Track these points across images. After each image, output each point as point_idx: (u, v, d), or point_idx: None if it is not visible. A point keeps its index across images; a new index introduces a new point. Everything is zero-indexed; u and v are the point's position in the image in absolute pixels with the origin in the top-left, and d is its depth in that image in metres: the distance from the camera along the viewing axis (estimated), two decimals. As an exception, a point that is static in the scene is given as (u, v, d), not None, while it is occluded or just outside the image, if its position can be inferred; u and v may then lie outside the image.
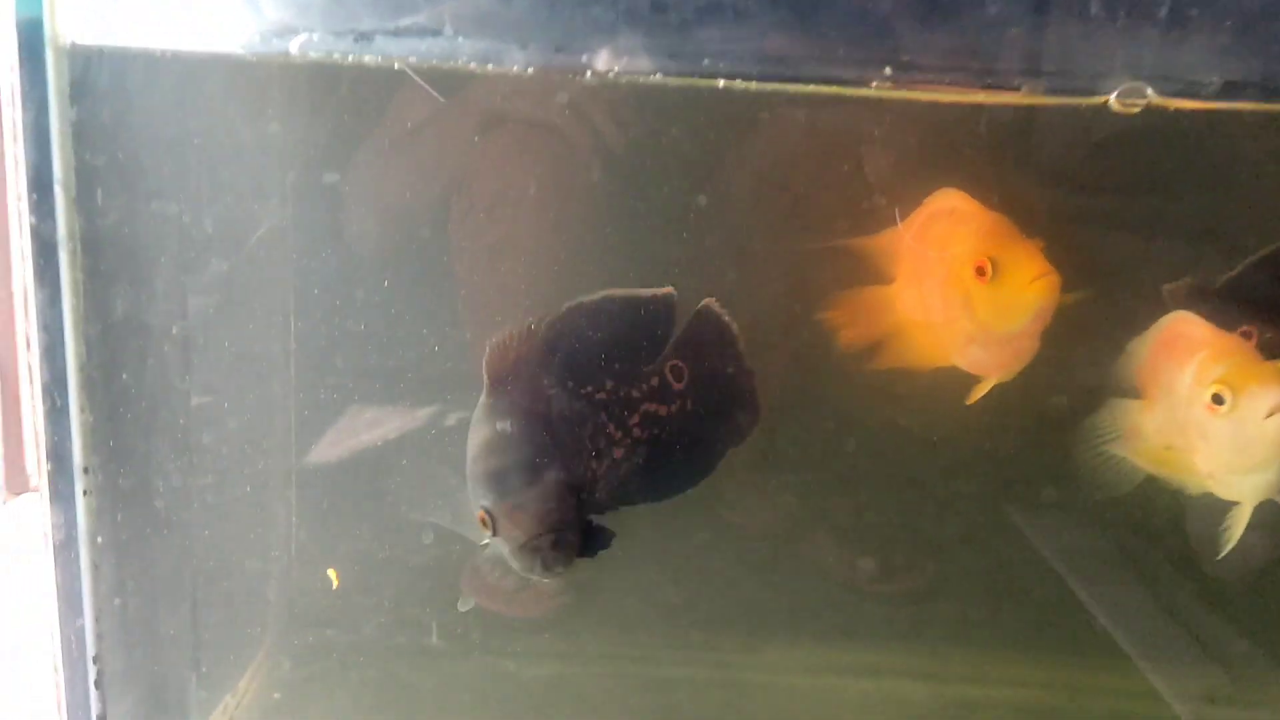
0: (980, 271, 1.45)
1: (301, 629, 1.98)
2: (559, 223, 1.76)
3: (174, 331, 1.54)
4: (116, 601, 1.47)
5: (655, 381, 1.39)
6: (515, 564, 1.24)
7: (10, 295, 2.69)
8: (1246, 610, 1.88)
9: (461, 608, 1.76)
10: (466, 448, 1.33)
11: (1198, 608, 1.90)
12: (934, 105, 1.50)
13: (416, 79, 1.57)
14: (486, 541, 1.29)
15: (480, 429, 1.31)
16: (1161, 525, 1.78)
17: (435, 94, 1.57)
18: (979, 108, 1.59)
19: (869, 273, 1.66)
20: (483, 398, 1.34)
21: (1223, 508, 1.49)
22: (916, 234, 1.59)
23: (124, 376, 1.44)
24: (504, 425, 1.30)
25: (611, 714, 1.90)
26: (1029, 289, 1.41)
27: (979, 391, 1.57)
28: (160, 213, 1.48)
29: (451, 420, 1.76)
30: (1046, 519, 1.94)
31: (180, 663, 1.69)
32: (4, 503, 2.73)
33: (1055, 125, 1.64)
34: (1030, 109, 1.60)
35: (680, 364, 1.40)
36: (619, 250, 1.73)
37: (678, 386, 1.39)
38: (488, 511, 1.24)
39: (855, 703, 1.95)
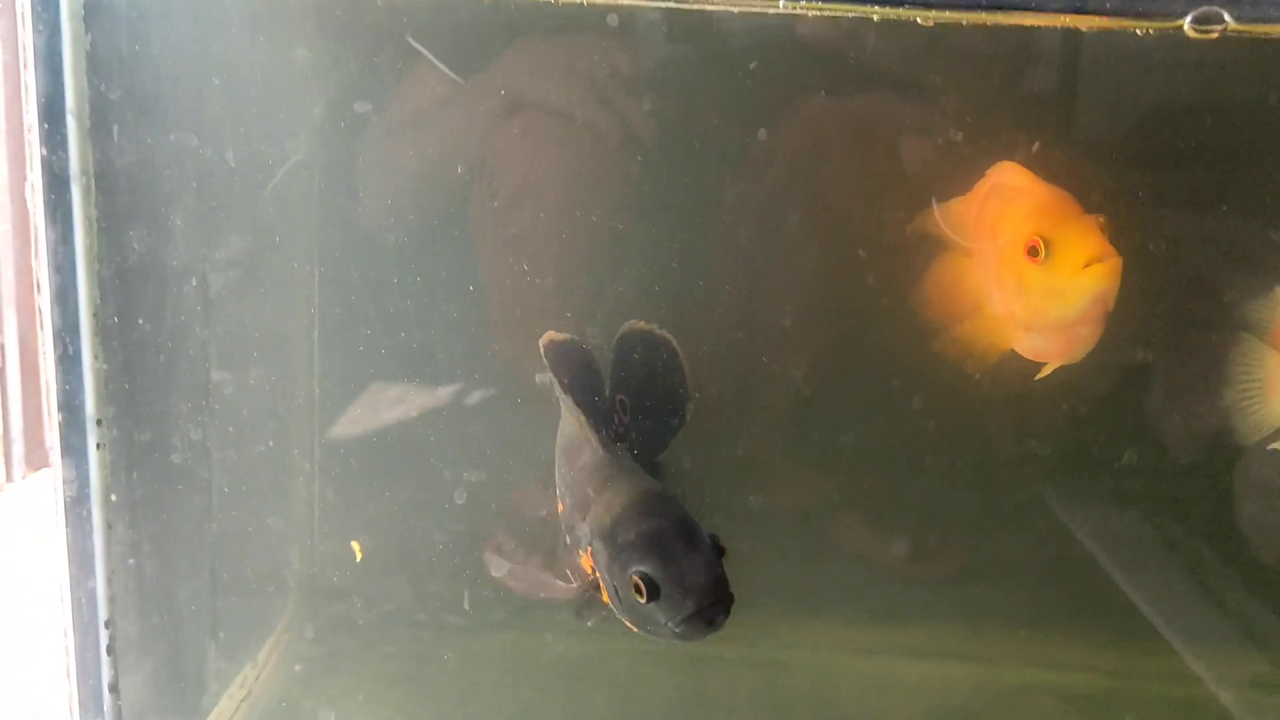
0: (1032, 252, 1.34)
1: (326, 599, 1.91)
2: (585, 210, 1.69)
3: (194, 276, 1.46)
4: (131, 563, 1.40)
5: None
6: (671, 630, 1.14)
7: (30, 267, 2.67)
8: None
9: (495, 573, 1.69)
10: (588, 510, 1.26)
11: (1243, 594, 1.83)
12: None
13: (432, 59, 1.53)
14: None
15: (618, 487, 1.25)
16: (1205, 509, 1.76)
17: (451, 73, 1.55)
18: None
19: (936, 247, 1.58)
20: (593, 451, 1.31)
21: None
22: (975, 212, 1.50)
23: (140, 323, 1.37)
24: (648, 484, 1.25)
25: (641, 693, 1.83)
26: (1084, 273, 1.31)
27: (1044, 374, 1.47)
28: (179, 146, 1.40)
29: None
30: (1089, 503, 1.87)
31: (198, 630, 1.63)
32: (23, 478, 2.70)
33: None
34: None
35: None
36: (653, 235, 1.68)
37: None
38: (647, 579, 1.13)
39: (897, 683, 1.89)
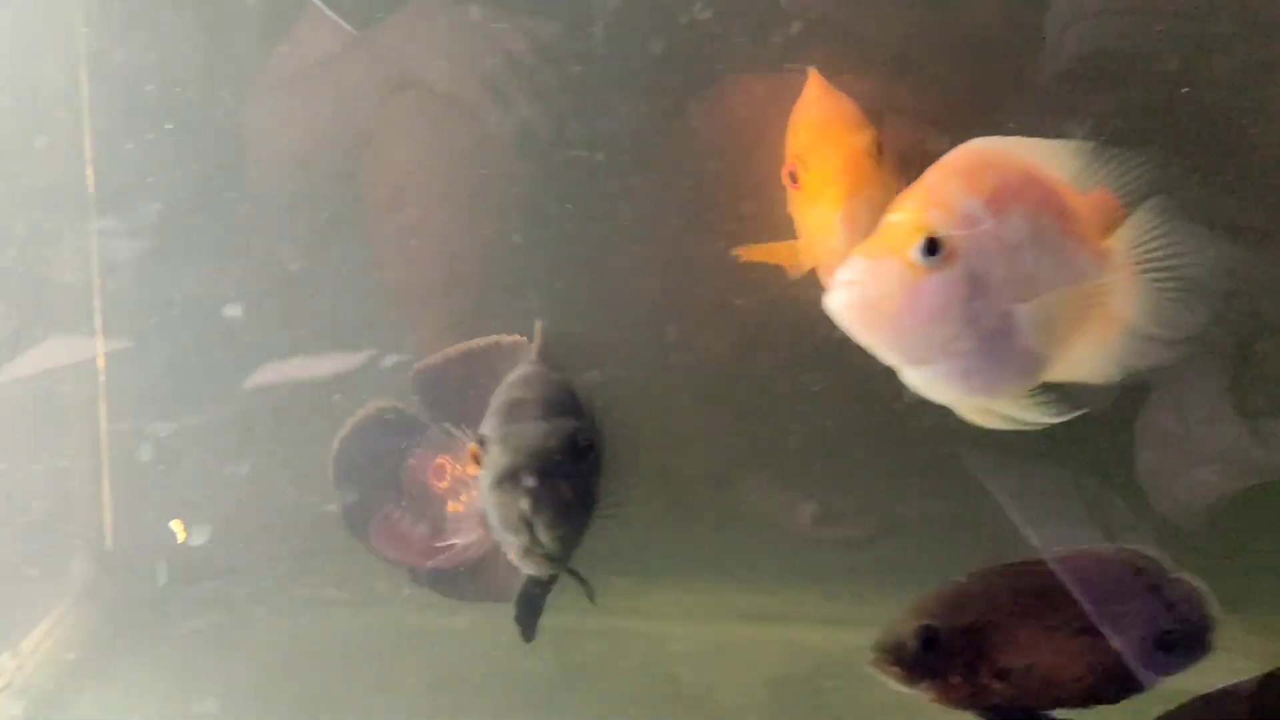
0: (791, 177, 1.20)
1: (125, 578, 1.79)
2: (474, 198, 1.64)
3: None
4: None
5: None
6: (490, 503, 1.08)
7: None
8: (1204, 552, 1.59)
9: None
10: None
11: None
12: None
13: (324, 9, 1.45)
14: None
15: (525, 374, 1.24)
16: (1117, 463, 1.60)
17: (344, 23, 1.47)
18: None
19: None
20: (529, 363, 1.27)
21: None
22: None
23: None
24: (553, 375, 1.23)
25: (462, 673, 1.70)
26: (820, 201, 1.15)
27: None
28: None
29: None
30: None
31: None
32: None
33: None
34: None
35: None
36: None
37: None
38: (483, 440, 1.11)
39: (738, 650, 1.76)
